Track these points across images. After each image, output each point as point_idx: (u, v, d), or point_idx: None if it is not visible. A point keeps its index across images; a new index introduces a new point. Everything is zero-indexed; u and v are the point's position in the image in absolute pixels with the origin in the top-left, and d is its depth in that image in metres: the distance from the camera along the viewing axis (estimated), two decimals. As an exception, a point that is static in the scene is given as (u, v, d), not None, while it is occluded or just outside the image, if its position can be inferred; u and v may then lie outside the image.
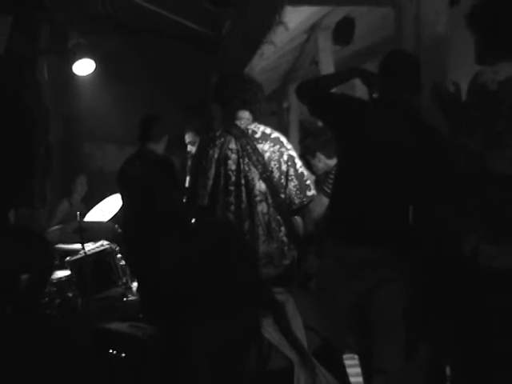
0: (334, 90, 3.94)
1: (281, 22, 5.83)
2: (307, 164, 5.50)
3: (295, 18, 5.96)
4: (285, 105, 9.72)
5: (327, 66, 6.91)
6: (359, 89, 5.31)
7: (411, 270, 3.51)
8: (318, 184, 5.26)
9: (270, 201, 4.15)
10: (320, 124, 5.98)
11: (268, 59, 7.31)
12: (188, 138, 6.08)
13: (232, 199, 4.15)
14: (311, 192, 4.23)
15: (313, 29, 7.05)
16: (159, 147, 5.60)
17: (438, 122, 3.47)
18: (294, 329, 2.26)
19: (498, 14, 3.11)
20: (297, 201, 4.21)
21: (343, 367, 2.40)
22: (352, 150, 3.76)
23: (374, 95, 3.92)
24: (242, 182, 4.14)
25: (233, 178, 4.16)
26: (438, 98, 3.50)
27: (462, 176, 3.14)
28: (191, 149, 6.01)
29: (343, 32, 6.30)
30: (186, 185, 5.04)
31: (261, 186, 4.14)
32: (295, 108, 9.02)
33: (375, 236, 3.54)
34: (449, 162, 3.28)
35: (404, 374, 3.47)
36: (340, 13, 6.29)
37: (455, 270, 3.12)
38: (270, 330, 2.24)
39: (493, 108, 2.99)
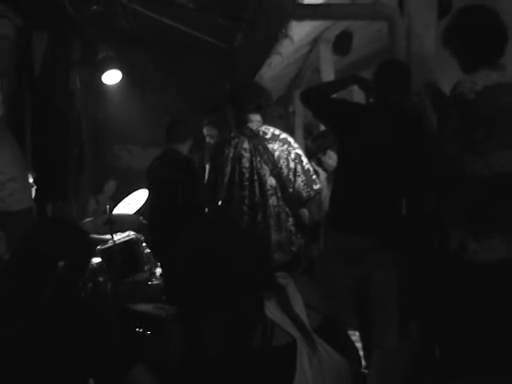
0: (334, 96, 3.94)
1: (287, 36, 5.82)
2: (319, 161, 5.51)
3: (299, 31, 5.95)
4: (290, 109, 9.68)
5: (328, 74, 6.89)
6: (357, 94, 5.32)
7: (402, 256, 3.52)
8: (330, 179, 5.27)
9: (279, 194, 4.15)
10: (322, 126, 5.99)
11: (275, 68, 7.29)
12: (206, 131, 6.06)
13: (246, 193, 4.16)
14: (317, 186, 4.23)
15: (315, 41, 7.04)
16: (184, 148, 5.60)
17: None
18: (296, 308, 2.26)
19: (468, 31, 3.09)
20: (304, 194, 4.21)
21: (345, 340, 2.40)
22: (350, 149, 3.76)
23: (370, 99, 3.93)
24: (255, 177, 4.16)
25: (247, 175, 4.17)
26: (430, 95, 3.49)
27: (447, 178, 3.13)
28: (209, 140, 5.99)
29: (342, 44, 6.29)
30: (206, 179, 5.04)
31: (271, 181, 4.14)
32: (300, 112, 8.99)
33: (369, 226, 3.55)
34: (435, 157, 3.28)
35: (399, 348, 3.49)
36: (339, 27, 6.27)
37: (443, 261, 3.11)
38: (273, 311, 2.25)
39: (472, 118, 2.96)
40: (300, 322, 2.23)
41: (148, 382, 2.36)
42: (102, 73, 7.58)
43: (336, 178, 4.00)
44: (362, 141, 3.63)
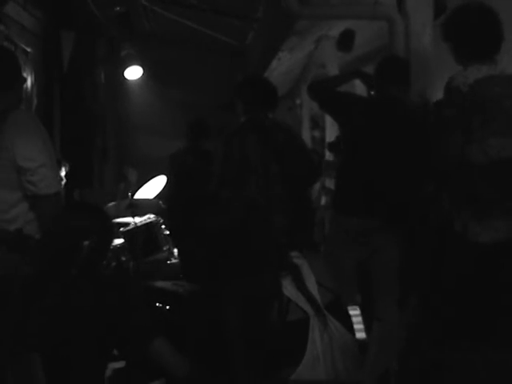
0: (339, 89, 3.94)
1: (293, 34, 5.81)
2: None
3: (306, 29, 5.94)
4: (298, 101, 9.68)
5: (332, 70, 6.88)
6: (358, 87, 5.29)
7: (402, 238, 3.51)
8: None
9: (283, 180, 4.17)
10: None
11: (284, 64, 7.28)
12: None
13: (252, 179, 4.18)
14: (318, 172, 4.27)
15: (320, 38, 7.03)
16: (205, 142, 5.68)
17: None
18: (309, 286, 2.27)
19: (461, 28, 3.06)
20: (306, 179, 4.24)
21: (350, 316, 2.41)
22: (353, 138, 3.75)
23: (371, 92, 3.92)
24: (260, 165, 4.17)
25: (252, 163, 4.18)
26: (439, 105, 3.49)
27: (450, 165, 3.11)
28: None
29: (346, 41, 6.26)
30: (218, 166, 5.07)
31: (275, 168, 4.16)
32: (307, 104, 8.98)
33: (371, 210, 3.54)
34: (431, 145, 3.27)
35: (398, 321, 3.49)
36: (343, 25, 6.25)
37: (447, 241, 3.09)
38: (288, 288, 2.26)
39: (467, 108, 2.94)
40: (313, 299, 2.24)
41: (168, 352, 2.37)
42: (125, 69, 7.60)
43: (340, 165, 3.99)
44: (365, 130, 3.63)
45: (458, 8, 3.09)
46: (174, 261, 5.66)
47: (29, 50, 5.49)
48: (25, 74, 5.44)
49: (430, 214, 3.26)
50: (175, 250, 5.73)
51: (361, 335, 2.51)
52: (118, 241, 5.57)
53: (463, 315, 2.89)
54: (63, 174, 5.24)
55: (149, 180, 6.72)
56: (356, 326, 2.44)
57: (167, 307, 3.54)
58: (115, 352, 2.55)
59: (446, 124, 3.07)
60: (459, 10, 3.08)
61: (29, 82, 5.63)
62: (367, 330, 3.76)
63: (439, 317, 3.04)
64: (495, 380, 2.21)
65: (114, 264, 5.40)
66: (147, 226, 5.72)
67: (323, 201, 6.80)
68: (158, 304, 3.55)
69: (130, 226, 5.71)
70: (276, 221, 4.11)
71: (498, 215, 2.87)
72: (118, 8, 6.26)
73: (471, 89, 2.92)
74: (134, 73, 7.65)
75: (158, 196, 6.54)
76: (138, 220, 5.75)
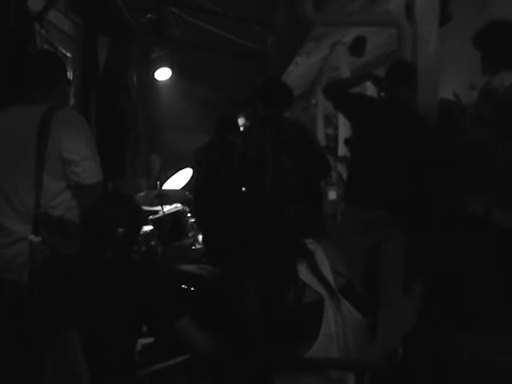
0: (352, 90, 3.93)
1: (310, 39, 5.79)
2: None
3: (321, 35, 5.91)
4: (313, 102, 9.63)
5: (345, 73, 6.85)
6: (370, 89, 5.26)
7: (407, 227, 3.50)
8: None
9: (295, 173, 4.19)
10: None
11: (301, 67, 7.26)
12: (240, 121, 6.08)
13: (267, 172, 4.21)
14: (328, 166, 4.29)
15: (335, 44, 7.00)
16: (229, 138, 5.68)
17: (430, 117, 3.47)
18: (323, 271, 2.27)
19: (497, 37, 3.11)
20: (316, 172, 4.26)
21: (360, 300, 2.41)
22: (364, 135, 3.75)
23: (381, 94, 3.91)
24: (274, 159, 4.19)
25: (269, 156, 4.21)
26: (443, 109, 3.47)
27: (476, 161, 3.11)
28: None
29: (358, 47, 6.24)
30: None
31: (288, 162, 4.18)
32: (321, 104, 8.94)
33: (379, 201, 3.54)
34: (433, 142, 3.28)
35: (404, 305, 3.48)
36: (355, 32, 6.22)
37: (468, 226, 3.07)
38: (304, 273, 2.26)
39: (503, 106, 2.97)
40: (327, 283, 2.24)
41: (192, 330, 2.38)
42: (155, 70, 7.60)
43: (352, 160, 3.99)
44: (374, 129, 3.62)
45: (491, 23, 3.14)
46: (198, 246, 5.68)
47: (68, 54, 5.54)
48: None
49: (435, 204, 3.25)
50: (199, 237, 5.74)
51: (370, 318, 2.51)
52: (148, 227, 5.59)
53: (474, 298, 2.88)
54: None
55: (176, 172, 6.74)
56: (365, 309, 2.44)
57: (192, 289, 3.56)
58: (144, 329, 2.56)
59: (483, 122, 3.09)
60: (493, 25, 3.14)
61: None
62: (375, 313, 3.77)
63: (443, 300, 3.03)
64: (496, 359, 2.18)
65: (143, 248, 5.43)
66: (174, 214, 5.74)
67: (335, 195, 6.78)
68: (183, 285, 3.57)
69: (159, 214, 5.74)
70: (290, 211, 4.13)
71: None
72: (150, 15, 6.28)
73: (507, 90, 2.96)
74: (163, 74, 7.66)
75: (185, 187, 6.56)
76: (165, 208, 5.77)
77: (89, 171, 2.78)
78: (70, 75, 5.62)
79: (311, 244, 2.39)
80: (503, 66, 3.04)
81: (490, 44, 3.13)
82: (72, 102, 5.67)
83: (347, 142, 5.81)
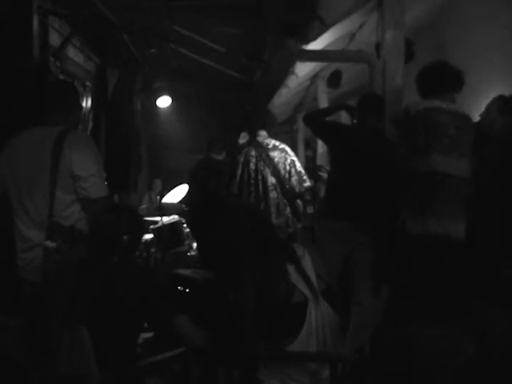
0: (328, 118, 3.96)
1: (293, 73, 5.83)
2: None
3: (303, 69, 5.96)
4: (295, 127, 9.70)
5: (323, 102, 6.90)
6: (344, 117, 5.31)
7: (376, 237, 3.52)
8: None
9: (278, 189, 4.27)
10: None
11: (284, 97, 7.30)
12: (241, 139, 6.10)
13: (253, 188, 4.28)
14: (307, 183, 4.36)
15: (314, 77, 7.05)
16: (219, 157, 5.73)
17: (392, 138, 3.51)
18: (309, 274, 2.28)
19: (426, 77, 3.30)
20: (297, 190, 4.33)
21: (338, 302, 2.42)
22: (339, 158, 3.77)
23: (354, 121, 3.94)
24: (259, 177, 4.27)
25: (253, 175, 4.28)
26: (395, 123, 3.51)
27: (397, 173, 3.25)
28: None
29: (334, 79, 6.28)
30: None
31: (272, 179, 4.26)
32: (301, 129, 9.00)
33: (352, 214, 3.55)
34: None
35: (373, 305, 3.49)
36: (332, 67, 6.28)
37: (396, 235, 3.19)
38: (294, 275, 2.27)
39: (413, 128, 3.10)
40: (311, 286, 2.25)
41: (188, 326, 2.39)
42: (157, 98, 7.62)
43: (328, 179, 4.02)
44: (348, 152, 3.64)
45: (427, 64, 3.32)
46: (192, 253, 5.67)
47: (87, 83, 5.66)
48: (83, 103, 5.63)
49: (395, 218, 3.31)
50: (194, 245, 5.74)
51: (343, 316, 2.52)
52: (149, 236, 5.58)
53: (421, 298, 2.92)
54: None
55: (174, 188, 6.73)
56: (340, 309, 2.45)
57: (187, 290, 3.55)
58: (145, 324, 2.56)
59: (398, 140, 3.27)
60: (428, 66, 3.31)
61: (87, 109, 5.87)
62: (348, 312, 3.77)
63: (404, 301, 3.06)
64: (447, 348, 2.24)
65: (144, 254, 5.42)
66: (172, 224, 5.73)
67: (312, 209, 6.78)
68: (179, 287, 3.56)
69: (158, 224, 5.72)
70: (277, 221, 4.17)
71: (432, 214, 3.02)
72: (153, 50, 6.34)
73: (418, 113, 3.08)
74: (164, 101, 7.68)
75: (181, 201, 6.56)
76: (164, 219, 5.76)
77: (95, 186, 2.79)
78: (88, 101, 5.78)
79: (298, 249, 2.40)
80: (425, 96, 3.24)
81: (421, 80, 3.33)
82: (90, 124, 5.74)
83: (317, 168, 5.86)
